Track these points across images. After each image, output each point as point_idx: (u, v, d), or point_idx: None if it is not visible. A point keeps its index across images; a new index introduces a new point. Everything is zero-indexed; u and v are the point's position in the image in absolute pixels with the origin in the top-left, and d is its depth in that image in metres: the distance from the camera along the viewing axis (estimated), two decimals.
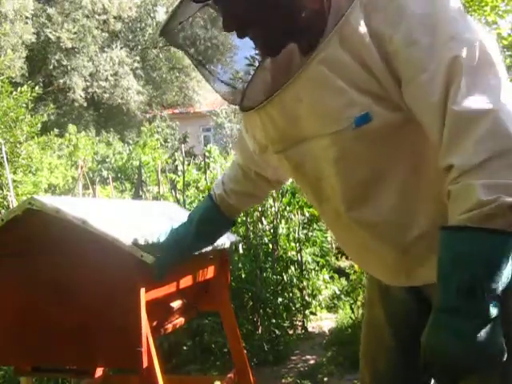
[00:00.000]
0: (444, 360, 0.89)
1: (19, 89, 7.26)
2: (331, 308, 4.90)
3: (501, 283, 0.86)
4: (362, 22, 0.96)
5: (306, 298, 4.44)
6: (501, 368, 0.92)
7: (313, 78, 1.01)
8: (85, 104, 15.32)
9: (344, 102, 1.00)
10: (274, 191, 4.24)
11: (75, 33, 14.58)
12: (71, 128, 11.51)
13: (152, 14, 16.80)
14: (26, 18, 13.42)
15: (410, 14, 0.93)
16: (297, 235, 4.42)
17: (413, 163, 1.03)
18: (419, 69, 0.93)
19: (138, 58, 16.59)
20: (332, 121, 1.02)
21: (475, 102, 0.88)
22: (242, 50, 1.25)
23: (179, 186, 4.96)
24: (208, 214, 1.49)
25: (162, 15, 16.48)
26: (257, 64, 1.26)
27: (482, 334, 0.86)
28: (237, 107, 1.25)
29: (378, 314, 1.32)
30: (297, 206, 4.35)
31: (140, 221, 1.91)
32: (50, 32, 14.30)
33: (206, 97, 17.93)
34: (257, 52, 1.20)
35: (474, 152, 0.86)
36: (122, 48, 16.00)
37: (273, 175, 1.45)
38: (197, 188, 5.15)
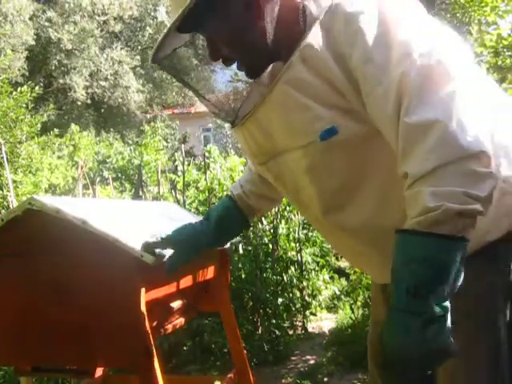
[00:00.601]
0: (393, 354, 0.96)
1: (19, 89, 7.26)
2: (331, 308, 4.90)
3: (449, 284, 0.92)
4: (323, 43, 1.03)
5: (306, 298, 4.44)
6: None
7: (279, 97, 1.09)
8: (87, 101, 15.30)
9: (310, 117, 1.07)
10: None
11: (75, 34, 14.57)
12: (74, 128, 11.50)
13: (153, 13, 16.79)
14: (27, 19, 13.41)
15: (366, 34, 0.99)
16: (297, 235, 4.42)
17: (387, 170, 1.08)
18: (375, 83, 0.99)
19: (138, 57, 16.59)
20: (301, 135, 1.10)
21: (425, 113, 0.93)
22: (226, 72, 1.33)
23: (179, 186, 4.95)
24: (228, 212, 1.51)
25: (163, 15, 16.47)
26: (239, 81, 1.32)
27: (428, 330, 0.92)
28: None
29: (381, 312, 1.36)
30: None
31: (140, 221, 1.91)
32: (52, 33, 14.29)
33: (206, 97, 17.89)
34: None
35: (424, 161, 0.92)
36: (122, 48, 16.00)
37: None
38: (197, 188, 5.14)
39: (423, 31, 1.01)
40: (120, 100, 15.92)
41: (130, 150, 10.98)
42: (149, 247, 1.45)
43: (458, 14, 4.14)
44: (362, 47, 0.99)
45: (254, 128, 1.19)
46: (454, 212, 0.90)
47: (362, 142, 1.08)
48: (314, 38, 1.04)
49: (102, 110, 16.87)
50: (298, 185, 1.20)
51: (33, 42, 13.60)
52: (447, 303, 0.93)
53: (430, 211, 0.91)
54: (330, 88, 1.04)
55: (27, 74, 13.18)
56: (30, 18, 13.75)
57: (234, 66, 1.26)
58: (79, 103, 15.01)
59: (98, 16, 15.17)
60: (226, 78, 1.33)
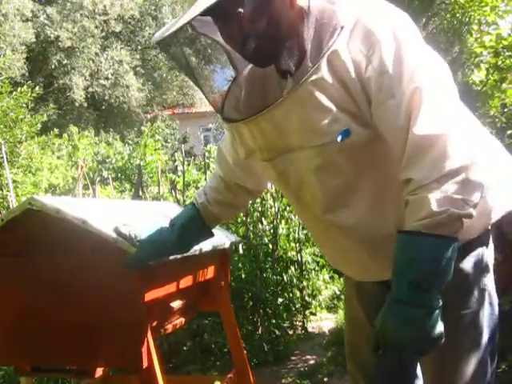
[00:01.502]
0: (396, 343, 1.09)
1: (19, 89, 7.26)
2: (331, 308, 4.90)
3: (445, 279, 1.07)
4: (346, 51, 1.12)
5: (306, 298, 4.44)
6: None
7: (304, 96, 1.15)
8: (85, 104, 15.30)
9: (329, 119, 1.14)
10: (274, 191, 4.26)
11: (75, 33, 14.56)
12: (72, 129, 11.50)
13: (155, 13, 16.78)
14: (26, 19, 13.40)
15: (382, 48, 1.10)
16: (297, 235, 4.42)
17: (383, 174, 1.19)
18: (388, 95, 1.10)
19: (138, 57, 16.58)
20: (318, 135, 1.16)
21: (434, 127, 1.06)
22: (226, 63, 1.36)
23: (179, 186, 4.96)
24: (191, 223, 1.53)
25: (164, 15, 16.45)
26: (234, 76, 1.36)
27: (428, 320, 1.06)
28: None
29: (355, 307, 1.47)
30: None
31: (140, 221, 1.91)
32: (51, 32, 14.28)
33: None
34: (232, 67, 1.33)
35: (431, 169, 1.05)
36: (122, 48, 15.99)
37: (253, 185, 1.57)
38: (197, 188, 5.15)
39: (427, 53, 1.15)
40: (121, 98, 15.91)
41: (130, 149, 10.97)
42: (119, 234, 1.50)
43: (457, 14, 4.14)
44: (379, 60, 1.09)
45: (266, 124, 1.21)
46: (456, 216, 1.04)
47: (367, 146, 1.16)
48: (341, 44, 1.12)
49: (103, 110, 16.86)
50: (303, 183, 1.25)
51: (33, 40, 13.59)
52: (439, 297, 1.07)
53: (436, 215, 1.03)
54: (345, 93, 1.12)
55: (27, 74, 13.17)
56: (30, 18, 13.74)
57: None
58: (80, 102, 14.99)
59: (99, 16, 15.16)
60: (227, 75, 1.34)
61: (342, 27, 1.12)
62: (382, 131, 1.13)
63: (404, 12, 1.18)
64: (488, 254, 1.31)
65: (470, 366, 1.25)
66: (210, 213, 1.55)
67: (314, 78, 1.13)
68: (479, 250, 1.28)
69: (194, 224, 1.53)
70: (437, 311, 1.07)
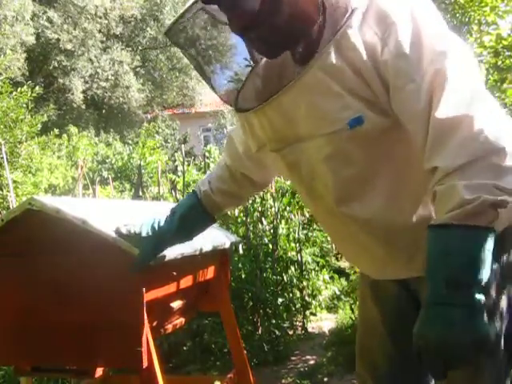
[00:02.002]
0: (439, 348, 0.95)
1: (19, 89, 7.26)
2: (331, 308, 4.90)
3: (484, 274, 0.96)
4: (357, 34, 1.06)
5: (306, 298, 4.44)
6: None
7: (311, 82, 1.10)
8: (83, 106, 15.30)
9: (340, 105, 1.08)
10: (273, 192, 4.26)
11: (75, 36, 14.56)
12: (72, 129, 11.50)
13: (156, 14, 16.77)
14: (27, 20, 13.39)
15: (400, 29, 1.03)
16: (297, 235, 4.42)
17: (402, 165, 1.12)
18: (407, 79, 1.03)
19: (138, 57, 16.57)
20: (328, 122, 1.11)
21: (457, 110, 0.98)
22: (240, 53, 1.31)
23: (179, 186, 4.95)
24: (191, 211, 1.52)
25: (165, 16, 16.44)
26: (253, 66, 1.32)
27: (473, 321, 0.94)
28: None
29: (370, 308, 1.41)
30: (297, 207, 4.35)
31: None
32: (52, 34, 14.28)
33: (206, 97, 17.94)
34: (251, 57, 1.29)
35: (456, 155, 0.97)
36: (122, 49, 15.99)
37: (259, 177, 1.54)
38: None
39: (448, 34, 1.07)
40: (121, 99, 15.90)
41: (130, 150, 10.97)
42: (120, 235, 1.50)
43: (457, 15, 4.14)
44: (396, 41, 1.03)
45: (273, 113, 1.17)
46: (489, 203, 0.94)
47: (382, 135, 1.10)
48: (350, 29, 1.06)
49: (103, 110, 16.86)
50: (315, 173, 1.19)
51: (33, 41, 13.58)
52: (483, 294, 0.96)
53: (467, 203, 0.94)
54: (358, 79, 1.06)
55: (27, 74, 13.16)
56: (31, 18, 13.73)
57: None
58: (77, 104, 14.99)
59: (100, 18, 15.15)
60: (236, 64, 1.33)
61: (353, 10, 1.07)
62: (401, 119, 1.06)
63: None
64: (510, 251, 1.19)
65: (486, 369, 1.14)
66: (212, 201, 1.53)
67: (321, 62, 1.08)
68: (504, 247, 1.15)
69: (194, 212, 1.52)
70: (481, 309, 0.96)
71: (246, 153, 1.44)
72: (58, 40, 14.31)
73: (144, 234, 1.48)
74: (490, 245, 0.96)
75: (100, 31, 15.29)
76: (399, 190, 1.14)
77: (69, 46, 14.45)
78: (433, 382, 1.36)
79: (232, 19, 1.13)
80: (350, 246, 1.33)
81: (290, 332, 4.11)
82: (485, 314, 0.96)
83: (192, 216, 1.51)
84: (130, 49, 16.72)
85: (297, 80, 1.11)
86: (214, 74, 1.33)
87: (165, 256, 1.54)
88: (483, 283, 0.96)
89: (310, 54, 1.11)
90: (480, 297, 0.96)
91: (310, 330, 4.33)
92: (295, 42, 1.14)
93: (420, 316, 1.00)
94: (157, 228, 1.49)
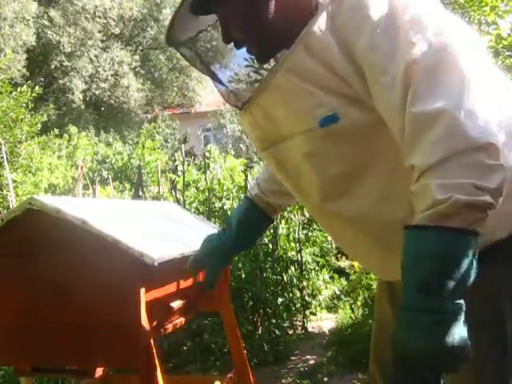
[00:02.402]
0: (408, 356, 0.90)
1: (19, 89, 7.26)
2: (331, 308, 4.90)
3: (461, 280, 0.88)
4: (327, 31, 1.02)
5: (306, 298, 4.44)
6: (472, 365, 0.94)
7: (281, 83, 1.09)
8: (82, 106, 15.30)
9: (312, 103, 1.06)
10: None
11: (76, 36, 14.56)
12: (72, 129, 11.50)
13: (156, 14, 16.77)
14: (27, 20, 13.39)
15: (373, 20, 0.97)
16: (297, 235, 4.42)
17: (394, 161, 1.04)
18: (381, 72, 0.97)
19: (138, 58, 16.57)
20: (302, 121, 1.09)
21: (432, 103, 0.90)
22: (240, 54, 1.30)
23: (179, 186, 4.95)
24: (247, 214, 1.52)
25: (164, 16, 16.45)
26: (255, 65, 1.31)
27: (441, 328, 0.87)
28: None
29: (385, 309, 1.37)
30: (297, 206, 4.35)
31: (140, 221, 1.91)
32: (51, 34, 14.28)
33: (206, 97, 17.94)
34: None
35: (431, 152, 0.90)
36: (122, 49, 15.99)
37: None
38: (197, 188, 5.15)
39: (432, 19, 0.98)
40: (121, 98, 15.90)
41: (130, 150, 10.97)
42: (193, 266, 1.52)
43: (457, 14, 4.14)
44: (369, 34, 0.97)
45: (258, 113, 1.18)
46: (463, 204, 0.87)
47: (367, 132, 1.06)
48: (318, 25, 1.03)
49: (103, 110, 16.85)
50: (300, 171, 1.18)
51: (34, 43, 13.59)
52: (461, 301, 0.89)
53: (439, 203, 0.88)
54: (333, 75, 1.02)
55: (27, 74, 13.16)
56: (32, 20, 13.73)
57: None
58: (77, 104, 14.99)
59: (99, 18, 15.15)
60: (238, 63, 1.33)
61: (320, 5, 1.05)
62: (381, 113, 1.00)
63: None
64: None
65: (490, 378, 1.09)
66: (265, 203, 1.53)
67: (288, 64, 1.06)
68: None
69: (250, 214, 1.52)
70: (455, 318, 0.88)
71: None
72: (59, 42, 14.31)
73: (205, 252, 1.49)
74: (466, 248, 0.88)
75: (100, 31, 15.29)
76: (393, 188, 1.08)
77: (69, 46, 14.45)
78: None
79: (223, 33, 1.15)
80: (345, 243, 1.31)
81: (290, 332, 4.12)
82: (459, 323, 0.89)
83: (248, 219, 1.51)
84: (130, 48, 16.72)
85: (268, 81, 1.11)
86: (217, 73, 1.32)
87: (165, 256, 1.54)
88: (460, 289, 0.89)
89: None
90: (454, 304, 0.89)
91: (309, 329, 4.33)
92: (287, 45, 1.12)
93: (396, 320, 0.96)
94: (218, 241, 1.49)
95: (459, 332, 0.88)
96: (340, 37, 1.01)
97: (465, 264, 0.88)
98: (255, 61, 1.26)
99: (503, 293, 1.08)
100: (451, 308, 0.88)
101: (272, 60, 1.22)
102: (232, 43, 1.18)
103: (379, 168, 1.08)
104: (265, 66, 1.27)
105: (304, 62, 1.05)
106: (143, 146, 10.20)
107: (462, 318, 0.89)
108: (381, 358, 1.41)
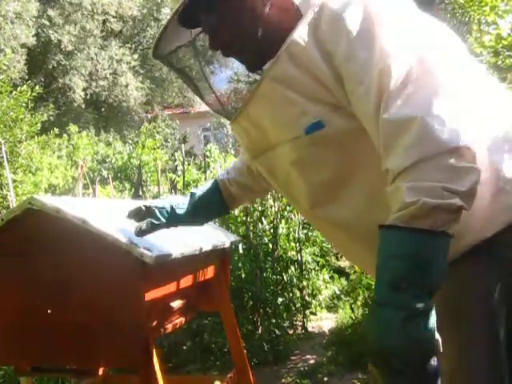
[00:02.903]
0: (377, 349, 0.94)
1: (19, 88, 7.25)
2: (331, 308, 4.90)
3: (430, 279, 0.92)
4: (310, 40, 1.05)
5: (306, 297, 4.44)
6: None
7: (266, 92, 1.12)
8: (83, 105, 15.30)
9: (296, 112, 1.09)
10: (274, 191, 4.26)
11: (75, 35, 14.56)
12: (72, 128, 11.49)
13: (155, 14, 16.77)
14: (27, 19, 13.39)
15: (350, 31, 1.00)
16: (297, 235, 4.42)
17: (377, 167, 1.06)
18: (357, 82, 1.00)
19: (138, 57, 16.57)
20: (289, 129, 1.12)
21: (404, 109, 0.94)
22: (227, 69, 1.35)
23: (179, 185, 4.95)
24: (209, 195, 1.55)
25: (163, 16, 16.43)
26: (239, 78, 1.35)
27: (409, 325, 0.91)
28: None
29: None
30: None
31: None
32: (52, 33, 14.28)
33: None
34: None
35: (403, 156, 0.93)
36: (121, 47, 15.99)
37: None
38: (196, 188, 5.14)
39: (406, 28, 1.02)
40: (120, 97, 15.90)
41: (130, 149, 10.96)
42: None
43: (457, 14, 4.14)
44: (346, 45, 1.00)
45: (246, 123, 1.21)
46: (431, 206, 0.90)
47: (351, 139, 1.09)
48: (300, 35, 1.06)
49: (102, 109, 16.85)
50: (289, 179, 1.21)
51: (34, 42, 13.59)
52: (429, 300, 0.93)
53: (408, 206, 0.91)
54: (317, 84, 1.05)
55: (27, 73, 13.16)
56: (31, 19, 13.73)
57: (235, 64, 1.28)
58: (78, 103, 14.99)
59: (98, 15, 15.15)
60: (225, 76, 1.34)
61: (304, 17, 1.08)
62: (361, 122, 1.04)
63: None
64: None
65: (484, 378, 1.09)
66: (228, 191, 1.56)
67: (272, 73, 1.10)
68: (498, 251, 1.09)
69: (211, 196, 1.55)
70: (423, 314, 0.92)
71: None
72: (59, 41, 14.31)
73: (160, 205, 1.49)
74: (435, 249, 0.92)
75: (97, 27, 15.27)
76: (377, 194, 1.09)
77: (68, 45, 14.45)
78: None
79: (210, 42, 1.18)
80: (341, 247, 1.34)
81: (290, 331, 4.11)
82: (427, 319, 0.92)
83: (209, 199, 1.54)
84: (130, 47, 16.72)
85: (254, 91, 1.14)
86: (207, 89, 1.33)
87: (165, 256, 1.54)
88: (428, 288, 0.92)
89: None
90: (421, 303, 0.91)
91: (310, 329, 4.33)
92: (274, 54, 1.14)
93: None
94: (173, 205, 1.51)
95: (426, 329, 0.92)
96: (322, 46, 1.04)
97: (433, 263, 0.92)
98: (242, 71, 1.29)
99: (491, 292, 1.10)
100: (419, 305, 0.91)
101: (259, 71, 1.24)
102: (219, 51, 1.20)
103: (365, 174, 1.11)
104: (249, 79, 1.30)
105: (288, 70, 1.08)
106: (143, 146, 10.19)
107: (433, 314, 0.93)
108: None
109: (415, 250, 0.92)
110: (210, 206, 1.56)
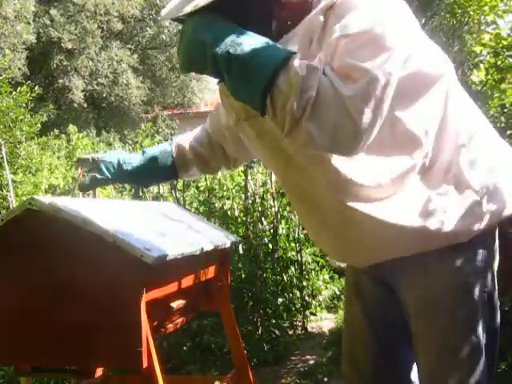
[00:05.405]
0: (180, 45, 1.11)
1: (19, 89, 7.25)
2: (331, 308, 4.90)
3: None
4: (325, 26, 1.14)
5: (306, 298, 4.44)
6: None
7: None
8: (84, 105, 15.30)
9: None
10: (274, 191, 4.26)
11: (76, 34, 14.55)
12: (72, 128, 11.49)
13: (155, 15, 16.76)
14: (27, 19, 13.38)
15: (348, 38, 1.07)
16: (297, 235, 4.42)
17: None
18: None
19: (137, 57, 16.57)
20: None
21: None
22: None
23: (179, 186, 4.95)
24: (161, 156, 1.56)
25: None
26: None
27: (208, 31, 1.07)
28: None
29: (355, 310, 1.46)
30: None
31: (140, 221, 1.91)
32: (53, 32, 14.28)
33: (206, 97, 17.94)
34: None
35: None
36: (122, 47, 15.98)
37: (232, 151, 1.58)
38: (197, 188, 5.14)
39: (393, 47, 1.07)
40: (121, 96, 15.88)
41: (129, 149, 10.96)
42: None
43: (457, 14, 4.14)
44: (346, 24, 1.07)
45: None
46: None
47: None
48: (317, 16, 1.14)
49: (102, 110, 16.85)
50: (278, 143, 1.23)
51: (34, 41, 13.58)
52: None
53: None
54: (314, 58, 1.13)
55: (27, 74, 13.15)
56: (32, 18, 13.72)
57: None
58: (78, 103, 14.99)
59: (99, 15, 15.14)
60: None
61: (310, 10, 1.16)
62: None
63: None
64: (489, 254, 1.25)
65: (466, 369, 1.20)
66: (183, 157, 1.57)
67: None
68: (479, 250, 1.23)
69: (163, 157, 1.55)
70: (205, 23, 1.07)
71: (226, 124, 1.49)
72: (60, 40, 14.30)
73: (108, 160, 1.50)
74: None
75: (99, 26, 15.26)
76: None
77: (70, 46, 14.45)
78: (417, 380, 1.38)
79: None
80: (319, 229, 1.35)
81: (290, 332, 4.11)
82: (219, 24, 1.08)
83: (159, 160, 1.54)
84: (130, 47, 16.72)
85: None
86: None
87: (165, 256, 1.54)
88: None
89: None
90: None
91: (309, 329, 4.33)
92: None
93: None
94: (123, 159, 1.52)
95: (228, 41, 1.06)
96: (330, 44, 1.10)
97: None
98: None
99: (472, 285, 1.21)
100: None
101: None
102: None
103: None
104: None
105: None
106: (141, 147, 10.19)
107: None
108: (353, 357, 1.48)
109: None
110: (159, 168, 1.56)
